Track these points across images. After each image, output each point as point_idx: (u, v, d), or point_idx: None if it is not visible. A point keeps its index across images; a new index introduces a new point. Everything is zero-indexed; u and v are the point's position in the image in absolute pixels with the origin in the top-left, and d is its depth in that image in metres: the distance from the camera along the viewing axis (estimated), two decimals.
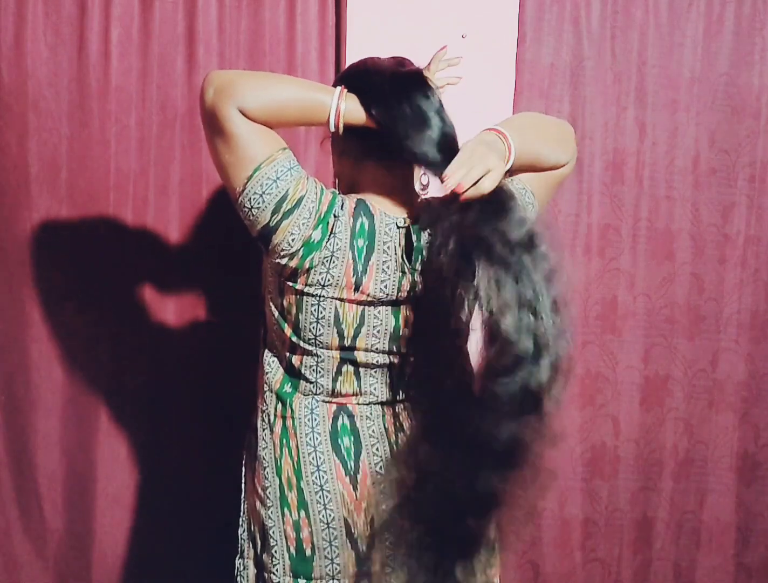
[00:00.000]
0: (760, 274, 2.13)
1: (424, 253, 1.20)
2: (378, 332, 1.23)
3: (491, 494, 1.11)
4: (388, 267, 1.20)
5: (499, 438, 1.07)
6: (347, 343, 1.23)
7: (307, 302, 1.21)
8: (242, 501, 1.37)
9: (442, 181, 1.09)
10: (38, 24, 1.70)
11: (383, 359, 1.25)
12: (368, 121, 1.17)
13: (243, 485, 1.37)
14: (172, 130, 1.78)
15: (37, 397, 1.79)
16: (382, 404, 1.27)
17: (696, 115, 2.05)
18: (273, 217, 1.15)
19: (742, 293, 2.12)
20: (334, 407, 1.26)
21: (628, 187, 2.04)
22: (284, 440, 1.26)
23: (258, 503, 1.29)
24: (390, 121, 1.16)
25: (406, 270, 1.21)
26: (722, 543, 2.18)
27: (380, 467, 1.25)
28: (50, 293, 1.78)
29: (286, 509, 1.26)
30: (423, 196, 1.28)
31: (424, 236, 1.21)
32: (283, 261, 1.18)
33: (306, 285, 1.19)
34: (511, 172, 1.19)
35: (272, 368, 1.29)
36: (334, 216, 1.18)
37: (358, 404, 1.27)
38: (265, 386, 1.30)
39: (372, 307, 1.22)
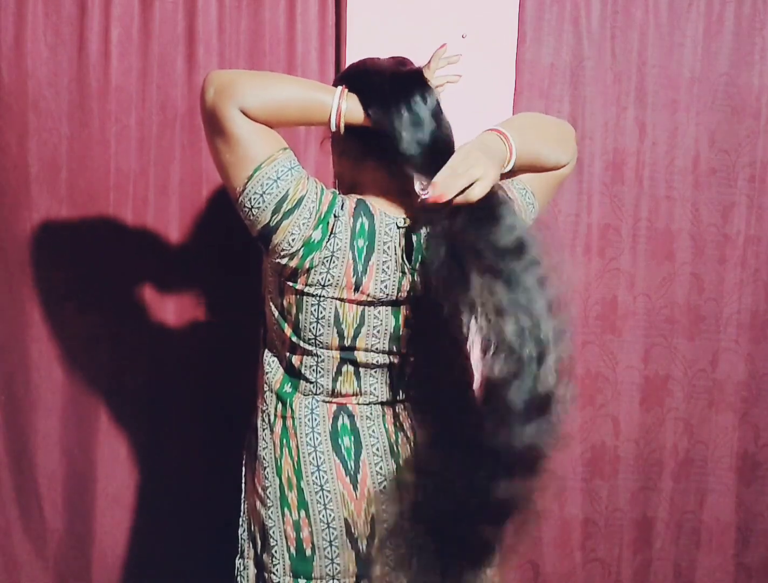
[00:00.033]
0: (760, 274, 2.13)
1: (424, 253, 1.20)
2: (378, 332, 1.23)
3: (509, 501, 1.10)
4: (388, 267, 1.20)
5: (515, 446, 1.05)
6: (347, 343, 1.23)
7: (307, 301, 1.21)
8: (242, 501, 1.37)
9: (431, 189, 1.08)
10: (38, 24, 1.70)
11: (383, 359, 1.25)
12: (368, 121, 1.17)
13: (243, 485, 1.37)
14: (172, 130, 1.78)
15: (37, 397, 1.79)
16: (382, 404, 1.27)
17: (696, 115, 2.05)
18: (273, 217, 1.15)
19: (742, 293, 2.12)
20: (334, 407, 1.26)
21: (628, 187, 2.04)
22: (284, 440, 1.26)
23: (258, 503, 1.29)
24: (385, 122, 1.15)
25: (406, 270, 1.21)
26: (722, 543, 2.18)
27: (380, 467, 1.25)
28: (50, 293, 1.78)
29: (286, 509, 1.26)
30: (423, 197, 1.28)
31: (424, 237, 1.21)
32: (283, 261, 1.18)
33: (306, 285, 1.19)
34: (511, 173, 1.19)
35: (272, 367, 1.29)
36: (335, 216, 1.18)
37: (358, 404, 1.27)
38: (265, 385, 1.29)
39: (372, 307, 1.22)
